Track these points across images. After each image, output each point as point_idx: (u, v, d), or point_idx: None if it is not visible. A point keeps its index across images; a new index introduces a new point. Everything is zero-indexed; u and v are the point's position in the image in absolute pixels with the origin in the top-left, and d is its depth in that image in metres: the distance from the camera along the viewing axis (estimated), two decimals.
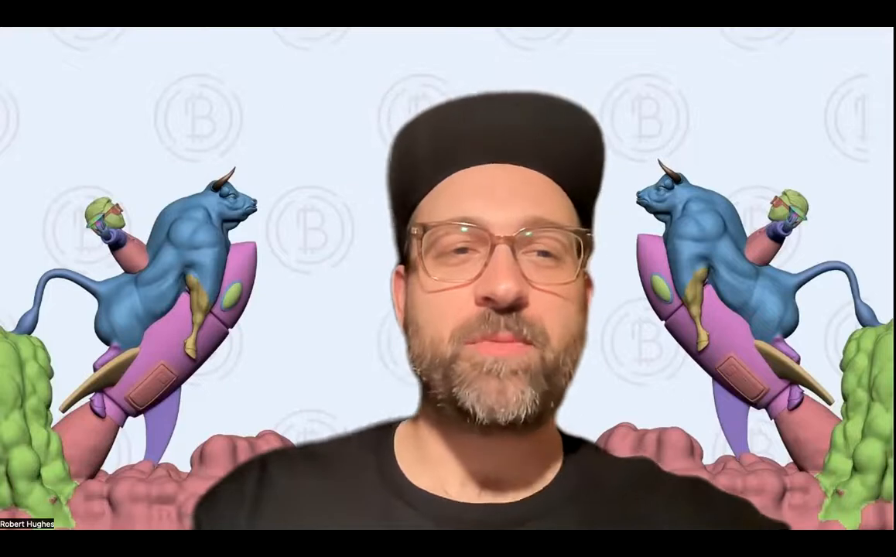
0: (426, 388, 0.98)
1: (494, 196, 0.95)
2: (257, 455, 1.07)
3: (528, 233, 0.94)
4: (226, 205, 3.66)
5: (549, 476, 1.00)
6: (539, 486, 0.99)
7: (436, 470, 0.99)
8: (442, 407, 0.95)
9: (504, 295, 0.91)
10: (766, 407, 3.73)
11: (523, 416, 0.92)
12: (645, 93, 3.83)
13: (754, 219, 3.75)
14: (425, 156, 0.99)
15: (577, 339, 0.97)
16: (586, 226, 1.01)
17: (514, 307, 0.92)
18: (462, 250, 0.95)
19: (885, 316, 3.58)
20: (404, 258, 1.02)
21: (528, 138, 0.98)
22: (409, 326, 0.99)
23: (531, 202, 0.96)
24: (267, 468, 1.04)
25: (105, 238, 3.62)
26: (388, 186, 1.05)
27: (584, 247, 0.97)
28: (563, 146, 0.98)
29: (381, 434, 1.05)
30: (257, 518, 1.01)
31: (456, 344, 0.93)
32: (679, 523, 0.99)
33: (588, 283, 1.01)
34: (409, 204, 1.01)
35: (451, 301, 0.94)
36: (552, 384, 0.94)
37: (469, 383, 0.92)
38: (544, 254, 0.95)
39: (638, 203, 3.70)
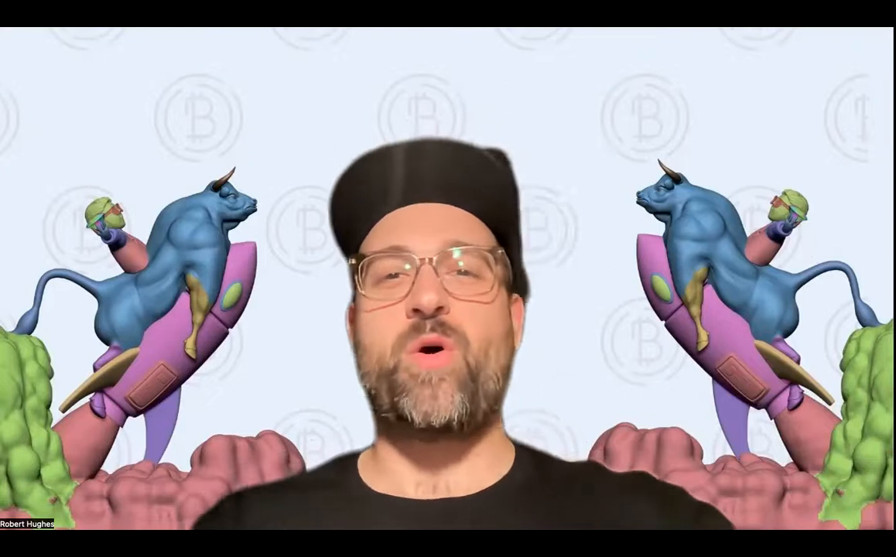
0: (375, 402, 1.10)
1: (418, 227, 1.11)
2: (228, 493, 1.21)
3: (448, 250, 1.09)
4: (226, 205, 3.66)
5: (501, 471, 1.11)
6: (489, 482, 1.10)
7: (393, 476, 1.11)
8: (387, 416, 1.08)
9: (427, 305, 1.05)
10: (766, 407, 3.73)
11: (456, 418, 1.05)
12: (645, 93, 3.83)
13: (754, 219, 3.75)
14: (360, 203, 1.16)
15: (499, 345, 1.10)
16: (509, 252, 1.15)
17: (437, 314, 1.06)
18: (394, 275, 1.09)
19: (885, 316, 3.58)
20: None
21: (445, 181, 1.14)
22: (357, 347, 1.13)
23: (450, 230, 1.11)
24: (241, 497, 1.16)
25: (105, 238, 3.62)
26: (332, 232, 1.21)
27: (496, 261, 1.12)
28: (476, 185, 1.14)
29: (346, 458, 1.17)
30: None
31: (397, 355, 1.07)
32: (624, 511, 1.09)
33: (517, 302, 1.16)
34: (352, 245, 1.17)
35: (389, 317, 1.08)
36: (479, 385, 1.07)
37: (407, 392, 1.06)
38: (464, 273, 1.09)
39: (638, 203, 3.69)
